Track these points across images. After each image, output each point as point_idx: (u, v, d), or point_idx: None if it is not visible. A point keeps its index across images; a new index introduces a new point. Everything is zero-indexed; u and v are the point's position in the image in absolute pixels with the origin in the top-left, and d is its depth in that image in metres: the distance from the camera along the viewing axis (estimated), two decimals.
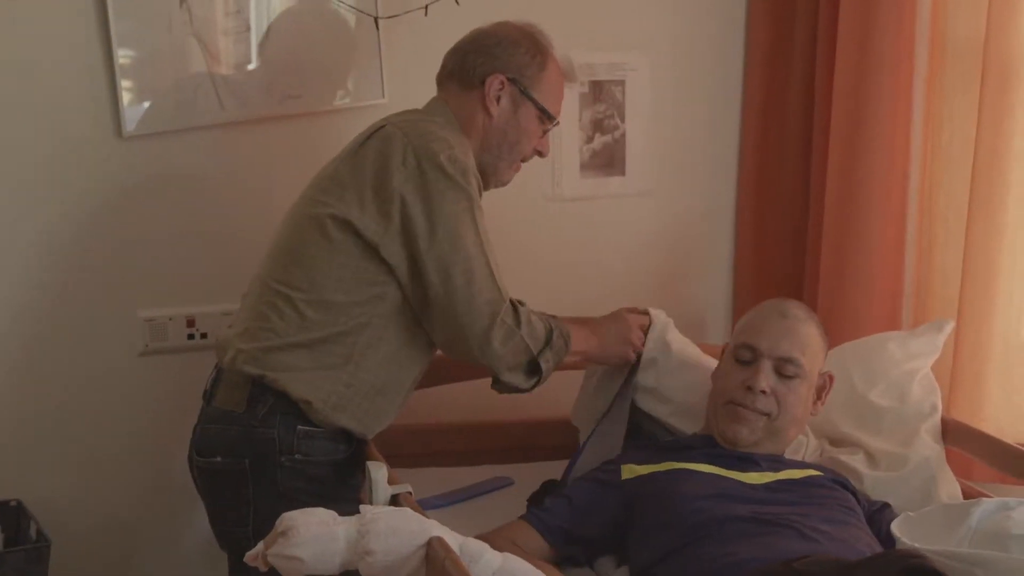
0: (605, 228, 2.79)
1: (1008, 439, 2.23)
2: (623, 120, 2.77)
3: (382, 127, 2.00)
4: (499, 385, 2.05)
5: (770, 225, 2.87)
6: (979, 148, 2.33)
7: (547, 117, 2.14)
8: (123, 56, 2.33)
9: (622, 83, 2.76)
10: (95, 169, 2.37)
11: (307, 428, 1.96)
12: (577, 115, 2.72)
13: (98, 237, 2.38)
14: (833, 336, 2.41)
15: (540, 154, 2.19)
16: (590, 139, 2.76)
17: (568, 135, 2.71)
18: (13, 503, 2.31)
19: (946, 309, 2.47)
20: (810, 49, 2.76)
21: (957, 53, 2.47)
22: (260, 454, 1.95)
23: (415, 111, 2.13)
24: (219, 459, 1.99)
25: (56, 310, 2.37)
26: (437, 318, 1.97)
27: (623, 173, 2.78)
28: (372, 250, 1.94)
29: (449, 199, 1.93)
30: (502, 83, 2.08)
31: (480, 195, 2.01)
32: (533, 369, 2.02)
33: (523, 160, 2.18)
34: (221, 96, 2.41)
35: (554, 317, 2.10)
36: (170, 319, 2.42)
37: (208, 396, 2.04)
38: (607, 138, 2.77)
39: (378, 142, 1.96)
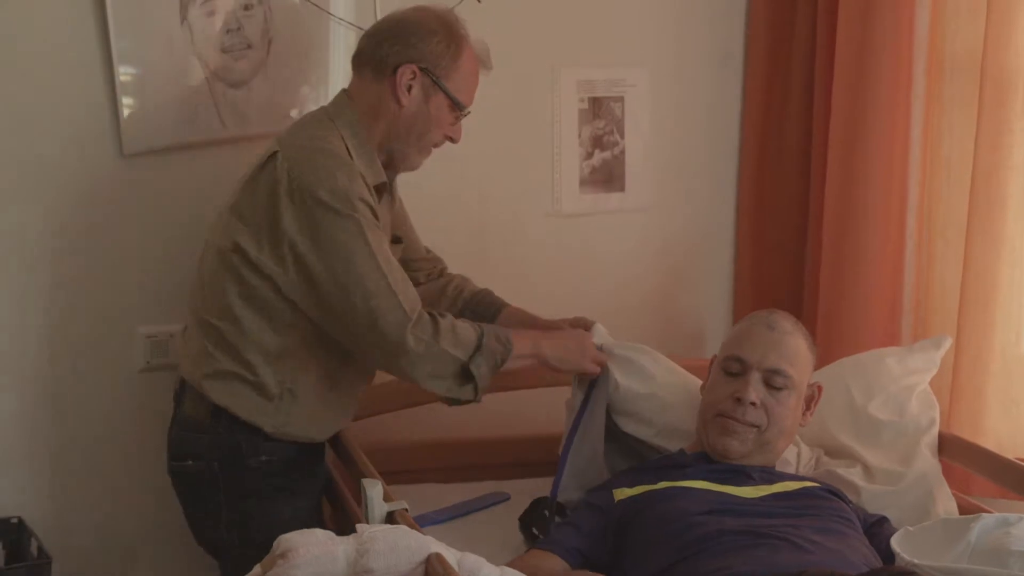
0: (605, 243, 2.83)
1: (1008, 453, 2.26)
2: (622, 136, 2.82)
3: (274, 153, 2.03)
4: (446, 399, 2.10)
5: (769, 239, 2.91)
6: (977, 162, 2.36)
7: (458, 107, 2.14)
8: (124, 74, 2.34)
9: (621, 99, 2.80)
10: (96, 186, 2.39)
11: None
12: (576, 131, 2.77)
13: (99, 254, 2.40)
14: (832, 350, 2.45)
15: (452, 140, 2.19)
16: (589, 155, 2.79)
17: (568, 151, 2.77)
18: (14, 520, 2.32)
19: (945, 323, 2.50)
20: (808, 64, 2.80)
21: (955, 68, 2.51)
22: (228, 457, 2.07)
23: (316, 119, 2.15)
24: (190, 463, 2.11)
25: (57, 327, 2.38)
26: (351, 342, 2.05)
27: (623, 189, 2.82)
28: (275, 286, 2.01)
29: (337, 229, 1.97)
30: (414, 73, 2.08)
31: (375, 214, 2.03)
32: (466, 375, 2.04)
33: (434, 146, 2.19)
34: (222, 113, 2.43)
35: (497, 326, 2.17)
36: (171, 336, 2.43)
37: (177, 401, 2.16)
38: (606, 154, 2.81)
39: (269, 175, 2.01)
